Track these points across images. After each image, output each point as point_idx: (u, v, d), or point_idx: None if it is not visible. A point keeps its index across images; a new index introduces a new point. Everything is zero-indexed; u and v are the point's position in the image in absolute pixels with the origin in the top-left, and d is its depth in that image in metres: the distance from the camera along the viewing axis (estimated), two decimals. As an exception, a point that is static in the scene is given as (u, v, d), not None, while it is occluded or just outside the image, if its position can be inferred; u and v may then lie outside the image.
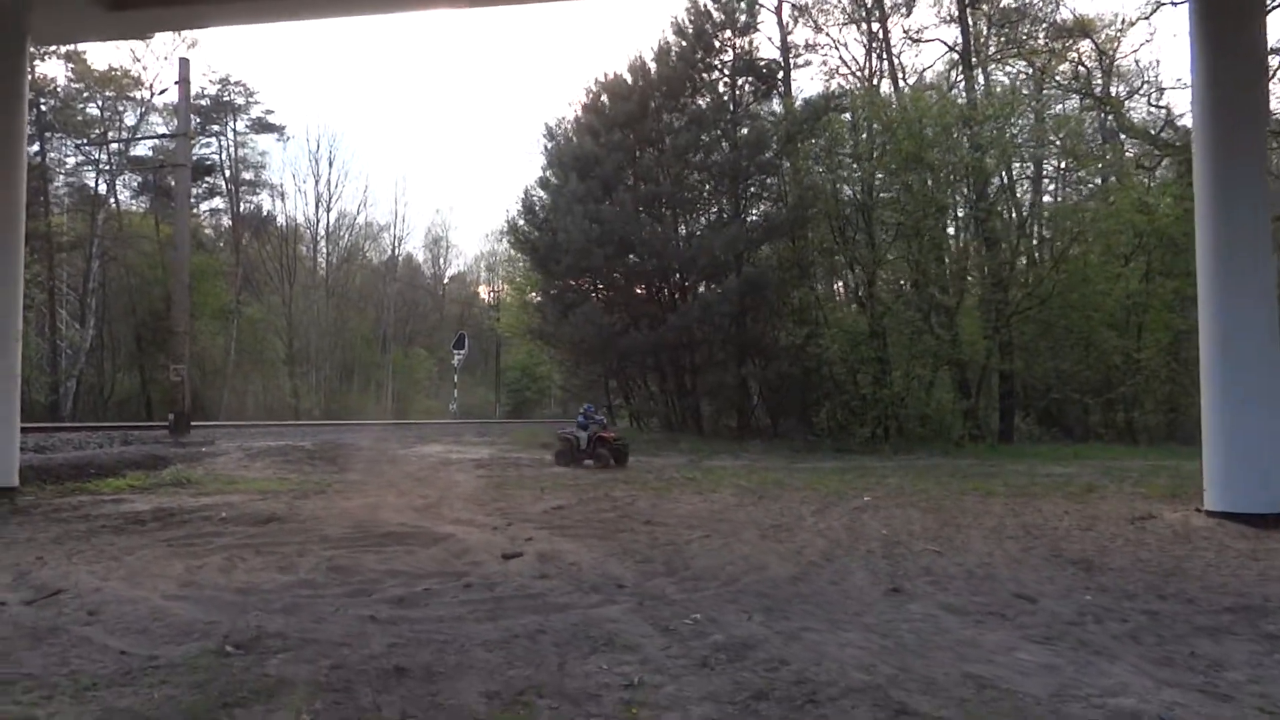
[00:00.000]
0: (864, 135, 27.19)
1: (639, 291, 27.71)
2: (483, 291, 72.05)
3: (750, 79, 28.26)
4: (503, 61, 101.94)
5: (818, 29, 30.95)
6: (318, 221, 52.93)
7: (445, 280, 70.61)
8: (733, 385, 26.40)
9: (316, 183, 71.84)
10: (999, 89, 30.82)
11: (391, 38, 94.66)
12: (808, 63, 29.68)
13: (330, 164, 67.27)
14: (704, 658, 5.91)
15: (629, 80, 26.97)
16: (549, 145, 28.94)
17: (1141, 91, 33.96)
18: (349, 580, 8.50)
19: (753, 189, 27.20)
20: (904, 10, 32.48)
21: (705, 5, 27.41)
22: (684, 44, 27.34)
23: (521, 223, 28.69)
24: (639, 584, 8.29)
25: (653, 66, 27.27)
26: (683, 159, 26.67)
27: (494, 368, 62.21)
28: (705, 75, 27.69)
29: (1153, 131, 32.15)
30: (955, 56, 32.47)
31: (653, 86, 26.93)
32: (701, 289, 26.41)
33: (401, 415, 49.35)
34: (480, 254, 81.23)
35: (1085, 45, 33.45)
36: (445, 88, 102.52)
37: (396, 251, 60.66)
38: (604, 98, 27.31)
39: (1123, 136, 32.97)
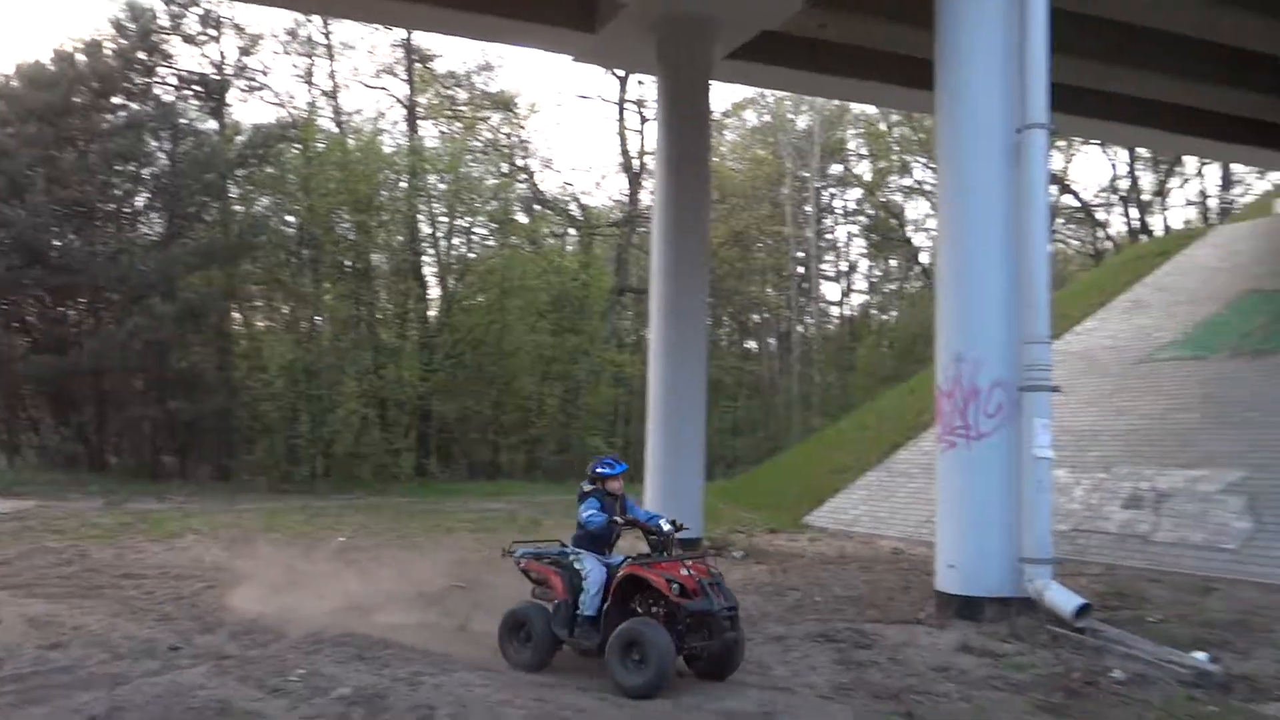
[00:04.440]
0: (315, 170, 26.93)
1: (50, 310, 23.85)
2: None
3: (199, 92, 26.32)
4: None
5: (248, 53, 29.67)
6: None
7: None
8: (157, 419, 23.97)
9: None
10: (438, 145, 32.62)
11: None
12: (261, 86, 28.44)
13: None
14: (341, 714, 5.74)
15: (53, 69, 23.33)
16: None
17: (553, 168, 38.34)
18: None
19: (192, 209, 25.20)
20: (370, 51, 32.74)
21: (150, 6, 24.97)
22: (123, 41, 24.51)
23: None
24: (189, 644, 7.54)
25: (82, 59, 23.94)
26: (112, 167, 23.78)
27: None
28: (146, 79, 25.13)
29: (562, 205, 36.53)
30: (400, 106, 33.68)
31: (82, 80, 23.63)
32: (127, 313, 23.56)
33: None
34: None
35: (506, 118, 36.96)
36: None
37: None
38: (15, 83, 23.24)
39: (537, 207, 36.88)
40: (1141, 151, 35.01)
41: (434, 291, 31.99)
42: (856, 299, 48.14)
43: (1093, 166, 47.90)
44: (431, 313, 31.66)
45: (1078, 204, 40.76)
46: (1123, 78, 16.13)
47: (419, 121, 33.80)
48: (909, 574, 11.87)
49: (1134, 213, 38.77)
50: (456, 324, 30.61)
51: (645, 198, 37.91)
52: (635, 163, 37.40)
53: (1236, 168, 32.91)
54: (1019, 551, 8.68)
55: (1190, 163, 35.45)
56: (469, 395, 30.43)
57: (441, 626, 8.39)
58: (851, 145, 44.58)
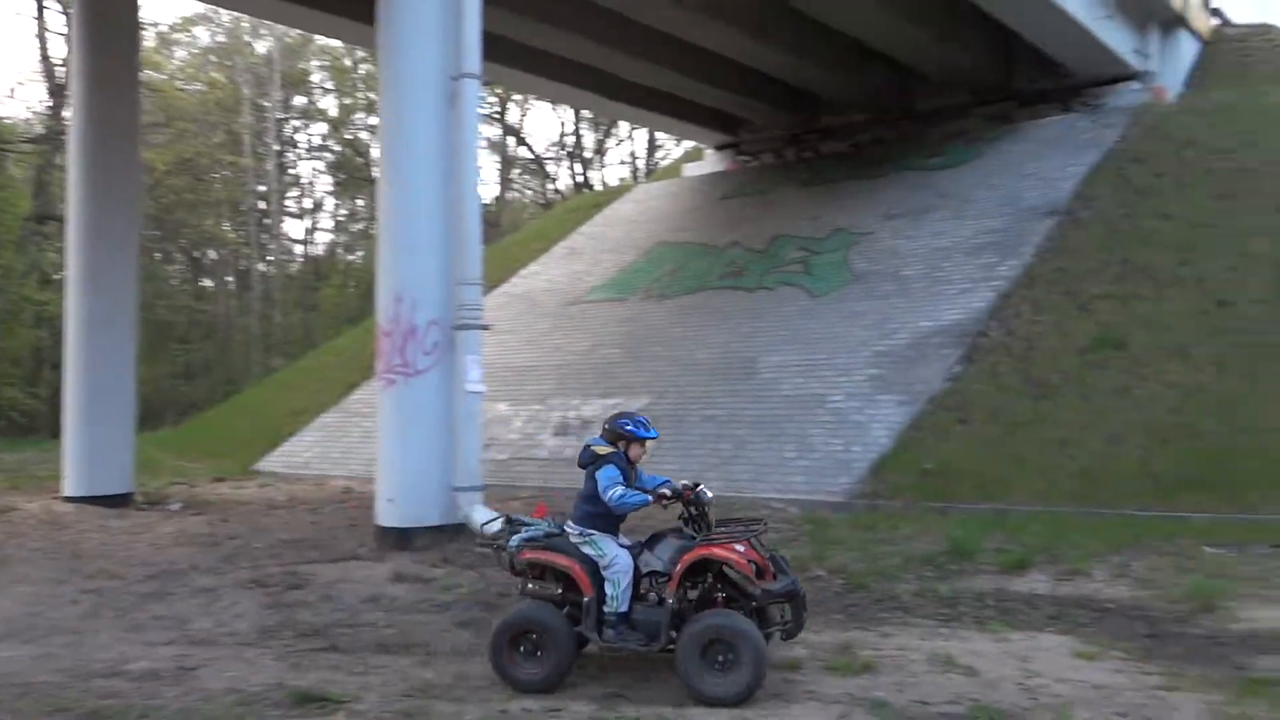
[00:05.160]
0: None
1: None
2: None
3: None
4: None
5: None
6: None
7: None
8: None
9: None
10: None
11: None
12: None
13: None
14: None
15: None
16: None
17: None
18: None
19: None
20: None
21: None
22: None
23: None
24: None
25: None
26: None
27: None
28: None
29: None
30: None
31: None
32: None
33: None
34: None
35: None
36: None
37: None
38: None
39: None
40: (586, 112, 38.29)
41: None
42: (322, 238, 46.99)
43: (545, 122, 51.35)
44: None
45: (532, 156, 43.57)
46: (556, 38, 17.21)
47: None
48: (357, 512, 12.02)
49: (578, 167, 42.47)
50: None
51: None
52: (60, 71, 32.47)
53: (660, 134, 37.42)
54: (452, 481, 9.23)
55: (625, 126, 39.62)
56: None
57: None
58: (316, 78, 43.02)
